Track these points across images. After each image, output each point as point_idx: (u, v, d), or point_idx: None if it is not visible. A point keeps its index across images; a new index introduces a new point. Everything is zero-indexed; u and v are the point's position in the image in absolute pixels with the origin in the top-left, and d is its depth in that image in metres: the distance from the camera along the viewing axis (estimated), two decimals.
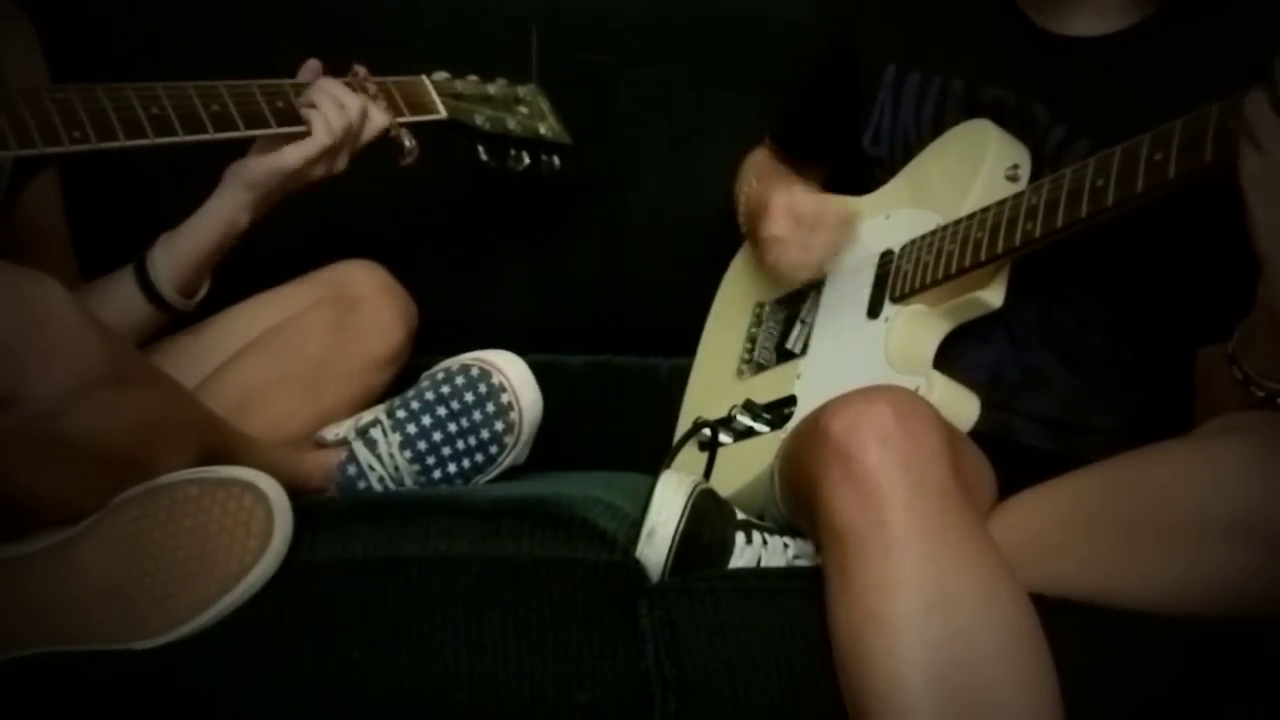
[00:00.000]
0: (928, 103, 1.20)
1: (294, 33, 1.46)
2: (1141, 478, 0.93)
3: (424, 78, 1.31)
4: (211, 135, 1.13)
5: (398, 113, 1.25)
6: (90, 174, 1.27)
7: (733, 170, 1.44)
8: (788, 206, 1.23)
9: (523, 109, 1.38)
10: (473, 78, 1.36)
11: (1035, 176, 1.10)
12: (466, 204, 1.51)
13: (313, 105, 1.18)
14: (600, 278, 1.54)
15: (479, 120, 1.32)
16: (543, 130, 1.38)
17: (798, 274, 1.25)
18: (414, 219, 1.51)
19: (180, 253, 1.20)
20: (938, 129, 1.19)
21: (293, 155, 1.17)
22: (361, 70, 1.25)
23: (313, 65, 1.22)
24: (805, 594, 0.95)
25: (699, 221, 1.49)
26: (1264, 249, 0.87)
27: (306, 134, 1.18)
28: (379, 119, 1.22)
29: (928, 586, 0.85)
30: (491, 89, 1.37)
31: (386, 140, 1.24)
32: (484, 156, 1.35)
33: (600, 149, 1.49)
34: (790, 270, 1.24)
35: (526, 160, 1.37)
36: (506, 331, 1.39)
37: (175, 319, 1.25)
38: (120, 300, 1.20)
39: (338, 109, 1.18)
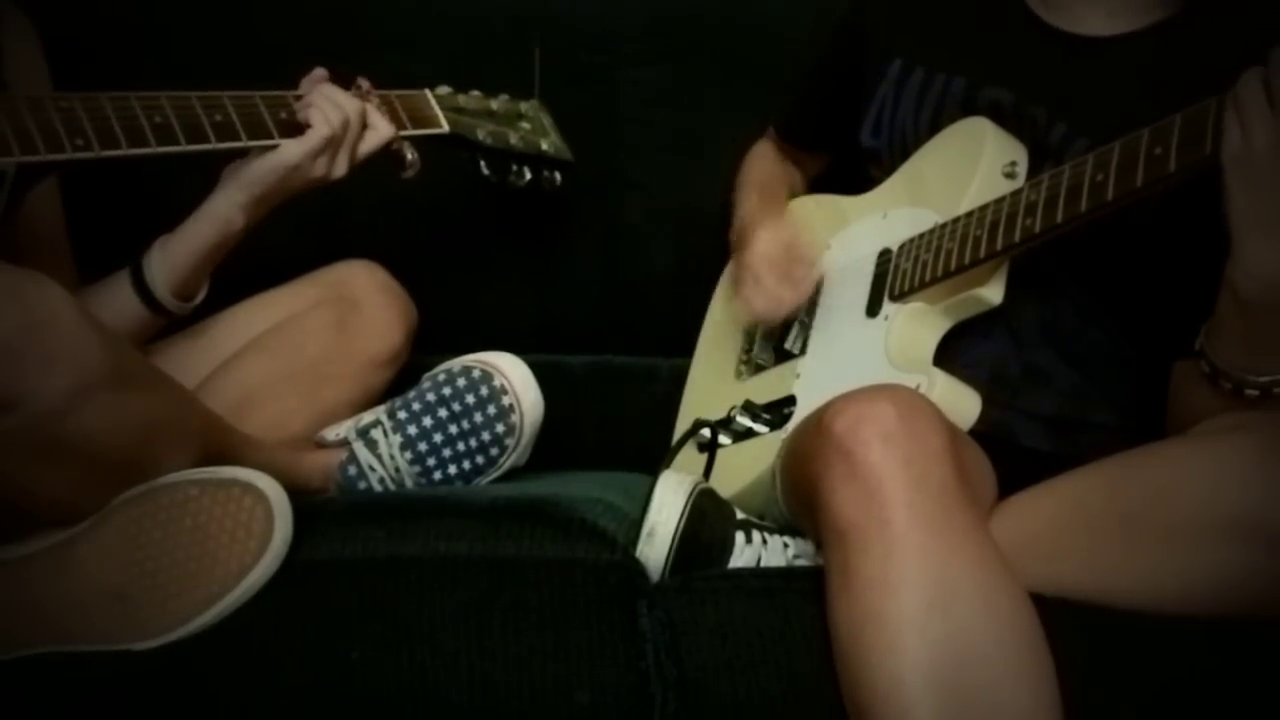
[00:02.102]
0: (928, 100, 1.20)
1: (297, 38, 1.47)
2: (1141, 477, 0.93)
3: (427, 91, 1.31)
4: (214, 145, 1.13)
5: (400, 126, 1.25)
6: (89, 176, 1.27)
7: (733, 170, 1.44)
8: (766, 252, 1.25)
9: (525, 124, 1.38)
10: (476, 93, 1.36)
11: (1037, 174, 1.10)
12: (466, 204, 1.51)
13: (310, 105, 1.18)
14: (600, 278, 1.54)
15: (481, 135, 1.32)
16: (545, 146, 1.38)
17: (762, 318, 1.27)
18: (414, 219, 1.51)
19: (177, 256, 1.20)
20: (935, 127, 1.19)
21: (292, 150, 1.17)
22: (365, 83, 1.25)
23: (318, 74, 1.22)
24: (805, 594, 0.95)
25: (699, 221, 1.49)
26: (1236, 229, 0.89)
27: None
28: (383, 127, 1.22)
29: (929, 585, 0.85)
30: (494, 104, 1.37)
31: (388, 153, 1.24)
32: (485, 171, 1.35)
33: (600, 149, 1.50)
34: (757, 315, 1.26)
35: (528, 176, 1.37)
36: (506, 331, 1.39)
37: (173, 322, 1.24)
38: (117, 304, 1.19)
39: (334, 106, 1.18)
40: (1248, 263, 0.90)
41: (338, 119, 1.17)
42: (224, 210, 1.19)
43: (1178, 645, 0.92)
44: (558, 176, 1.40)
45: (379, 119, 1.22)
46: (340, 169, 1.20)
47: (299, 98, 1.20)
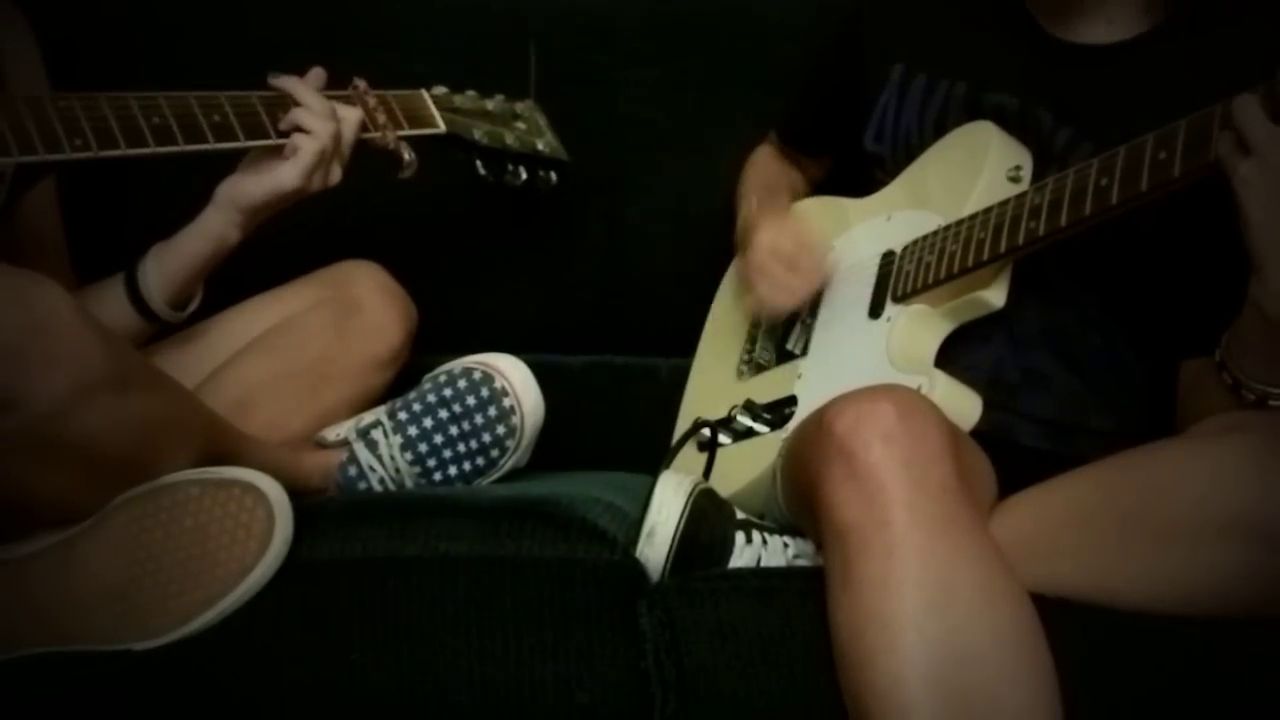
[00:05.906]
0: (931, 105, 1.20)
1: (295, 38, 1.47)
2: (1139, 477, 0.94)
3: (423, 92, 1.31)
4: (212, 145, 1.13)
5: (397, 126, 1.25)
6: (85, 179, 1.27)
7: (733, 170, 1.44)
8: (772, 244, 1.24)
9: (520, 124, 1.39)
10: (471, 93, 1.36)
11: (1042, 178, 1.10)
12: (467, 204, 1.51)
13: (295, 122, 1.17)
14: (600, 278, 1.54)
15: (477, 135, 1.32)
16: (540, 146, 1.38)
17: (776, 310, 1.26)
18: (414, 219, 1.51)
19: (170, 266, 1.19)
20: (940, 131, 1.20)
21: (289, 175, 1.16)
22: (361, 84, 1.25)
23: (316, 73, 1.22)
24: (805, 594, 0.95)
25: (699, 221, 1.50)
26: (1259, 250, 0.88)
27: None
28: (351, 115, 1.20)
29: (929, 585, 0.85)
30: (490, 104, 1.37)
31: (385, 152, 1.24)
32: (482, 171, 1.35)
33: (600, 149, 1.50)
34: (770, 307, 1.25)
35: (524, 175, 1.37)
36: (506, 331, 1.39)
37: (170, 325, 1.24)
38: (110, 310, 1.18)
39: (320, 119, 1.17)
40: (1275, 283, 0.88)
41: (326, 133, 1.16)
42: (218, 228, 1.18)
43: (1178, 645, 0.92)
44: (553, 176, 1.40)
45: (345, 109, 1.20)
46: (335, 176, 1.19)
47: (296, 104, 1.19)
